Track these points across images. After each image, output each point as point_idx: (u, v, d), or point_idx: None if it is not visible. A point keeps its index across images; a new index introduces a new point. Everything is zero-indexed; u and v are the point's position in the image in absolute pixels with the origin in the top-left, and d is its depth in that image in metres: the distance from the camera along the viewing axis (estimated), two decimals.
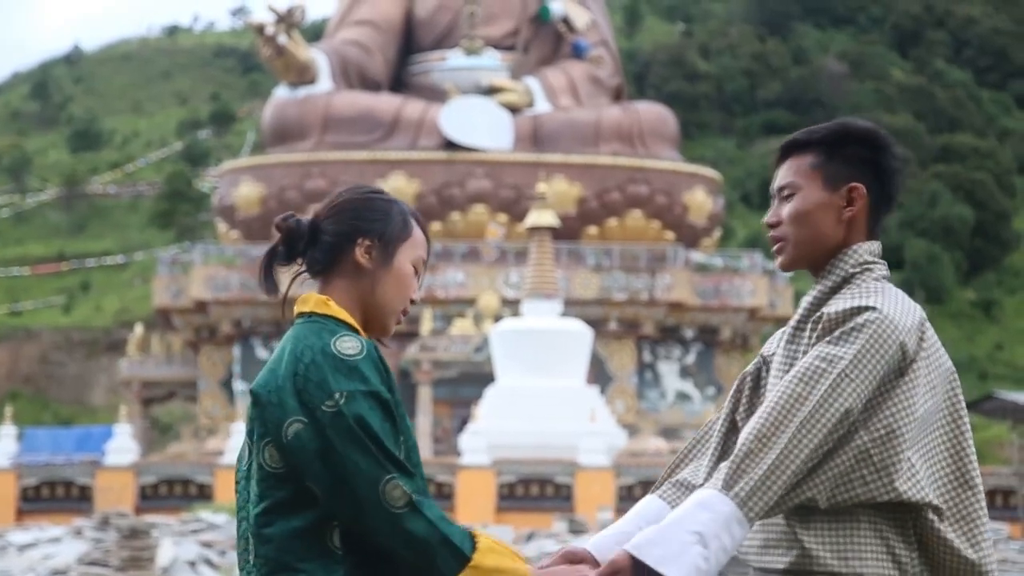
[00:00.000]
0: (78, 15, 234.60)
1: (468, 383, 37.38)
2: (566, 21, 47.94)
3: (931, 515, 3.35)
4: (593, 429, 31.41)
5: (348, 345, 3.14)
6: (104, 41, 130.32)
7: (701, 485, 3.52)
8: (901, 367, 3.34)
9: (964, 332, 69.06)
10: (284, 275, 3.33)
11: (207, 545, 21.40)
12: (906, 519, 3.35)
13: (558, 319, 33.26)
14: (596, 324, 39.31)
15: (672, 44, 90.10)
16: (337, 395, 3.08)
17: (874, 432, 3.31)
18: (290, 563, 3.15)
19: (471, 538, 3.13)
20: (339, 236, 3.24)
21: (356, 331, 3.22)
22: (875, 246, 3.52)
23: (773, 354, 3.57)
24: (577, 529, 22.93)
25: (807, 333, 3.46)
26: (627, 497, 31.17)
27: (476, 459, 30.88)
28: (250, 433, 3.25)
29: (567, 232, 41.72)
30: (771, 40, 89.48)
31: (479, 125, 44.59)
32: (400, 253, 3.26)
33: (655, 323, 43.34)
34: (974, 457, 3.45)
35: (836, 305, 3.39)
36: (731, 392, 3.64)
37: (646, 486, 31.58)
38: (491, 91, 45.68)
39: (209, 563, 20.02)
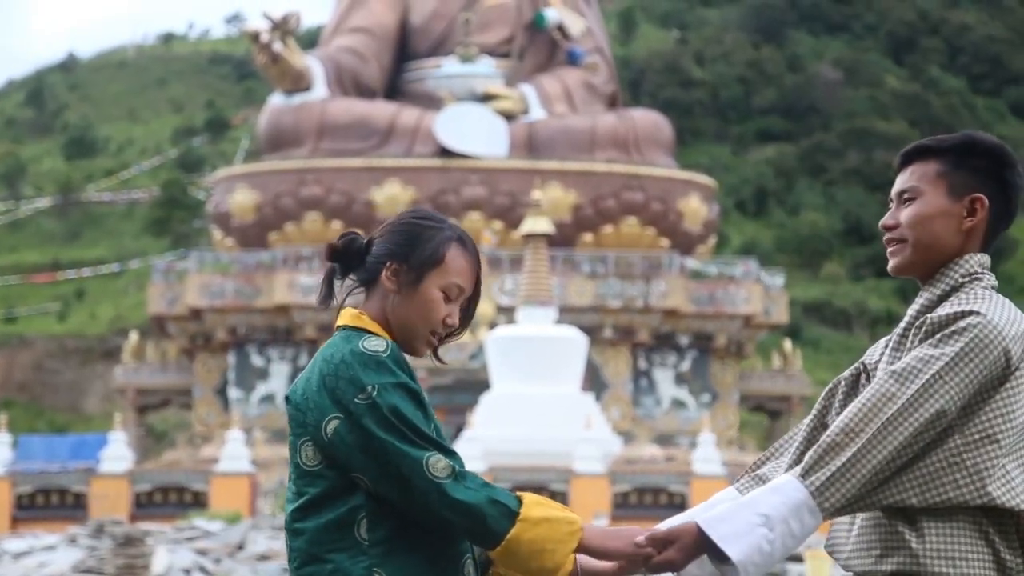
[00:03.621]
0: (73, 22, 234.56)
1: (463, 390, 37.39)
2: (561, 28, 47.94)
3: None
4: (588, 436, 31.40)
5: (374, 344, 3.34)
6: (99, 48, 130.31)
7: None
8: (1004, 373, 3.35)
9: None
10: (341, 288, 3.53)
11: (202, 553, 21.37)
12: (1009, 524, 3.36)
13: (553, 326, 33.25)
14: (591, 331, 39.32)
15: (667, 51, 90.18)
16: (369, 388, 3.28)
17: (968, 436, 3.32)
18: (319, 554, 3.31)
19: (516, 497, 3.29)
20: (376, 258, 3.43)
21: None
22: (985, 259, 3.54)
23: (876, 362, 3.57)
24: None
25: (911, 340, 3.46)
26: (622, 504, 31.16)
27: (471, 466, 30.75)
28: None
29: (562, 239, 41.72)
30: (766, 47, 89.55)
31: (474, 132, 44.59)
32: (427, 279, 3.42)
33: (650, 330, 43.35)
34: None
35: (941, 310, 3.41)
36: (822, 395, 3.64)
37: (642, 493, 31.59)
38: (486, 98, 45.69)
39: (204, 571, 19.99)
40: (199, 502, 31.05)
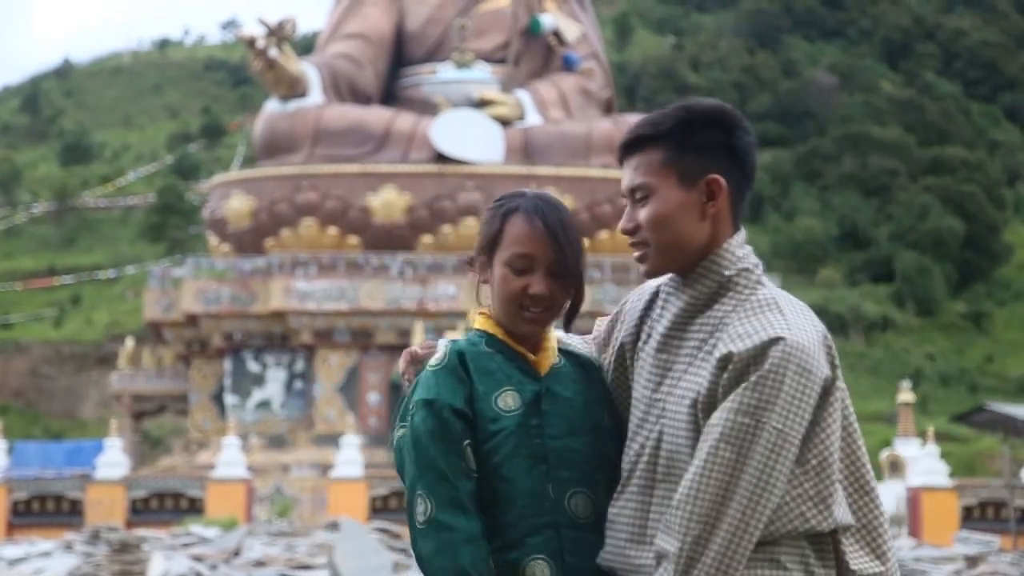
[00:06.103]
0: (69, 29, 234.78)
1: None
2: (557, 34, 47.99)
3: (846, 534, 3.14)
4: None
5: (436, 358, 3.32)
6: (95, 55, 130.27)
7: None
8: (822, 393, 3.08)
9: (954, 344, 69.13)
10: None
11: (198, 559, 21.37)
12: (826, 541, 3.13)
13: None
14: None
15: (662, 57, 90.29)
16: (412, 406, 3.27)
17: (806, 465, 3.06)
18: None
19: (485, 569, 3.14)
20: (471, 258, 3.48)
21: (492, 337, 3.37)
22: (742, 237, 3.22)
23: (627, 345, 3.41)
24: None
25: (686, 347, 3.18)
26: None
27: None
28: None
29: None
30: (761, 53, 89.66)
31: (470, 138, 44.60)
32: (496, 258, 3.38)
33: None
34: (867, 460, 3.20)
35: (739, 339, 3.06)
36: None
37: None
38: (482, 104, 45.71)
39: None
40: (195, 508, 31.04)
